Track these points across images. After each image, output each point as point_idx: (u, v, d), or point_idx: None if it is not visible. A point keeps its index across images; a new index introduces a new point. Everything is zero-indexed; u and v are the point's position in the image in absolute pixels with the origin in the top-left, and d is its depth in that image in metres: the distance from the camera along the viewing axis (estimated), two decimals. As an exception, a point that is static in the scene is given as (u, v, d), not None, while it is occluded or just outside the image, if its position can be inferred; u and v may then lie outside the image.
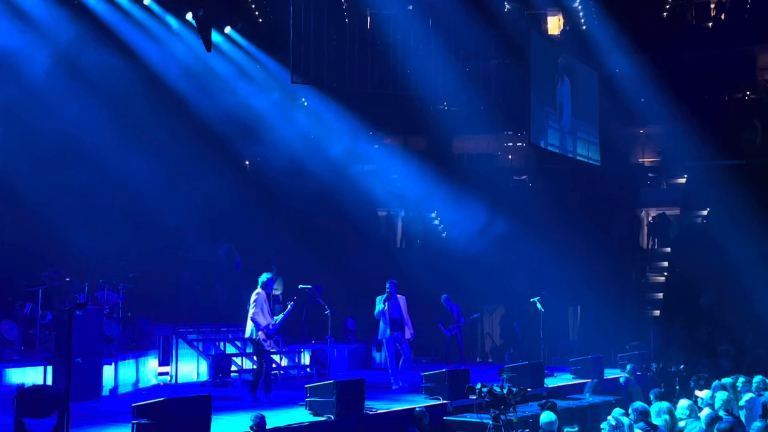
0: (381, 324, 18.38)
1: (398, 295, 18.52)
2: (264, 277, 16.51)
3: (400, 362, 18.55)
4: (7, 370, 15.76)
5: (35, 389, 13.44)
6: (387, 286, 18.39)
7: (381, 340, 18.78)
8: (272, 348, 16.70)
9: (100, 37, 22.24)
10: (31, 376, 15.88)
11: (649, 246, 32.47)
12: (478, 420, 12.98)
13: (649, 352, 24.57)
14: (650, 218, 33.12)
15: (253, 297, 16.35)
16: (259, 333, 16.26)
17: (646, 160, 35.27)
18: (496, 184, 31.32)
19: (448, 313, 24.20)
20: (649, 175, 34.04)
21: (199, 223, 24.08)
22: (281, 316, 16.56)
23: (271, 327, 16.31)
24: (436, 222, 32.93)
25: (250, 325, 16.34)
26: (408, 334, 18.37)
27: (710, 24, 33.77)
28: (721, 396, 13.19)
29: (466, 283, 26.74)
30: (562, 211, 29.18)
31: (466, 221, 29.71)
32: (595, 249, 28.48)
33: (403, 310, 18.44)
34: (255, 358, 17.45)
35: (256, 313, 16.26)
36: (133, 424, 11.48)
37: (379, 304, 18.34)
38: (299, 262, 24.89)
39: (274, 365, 19.12)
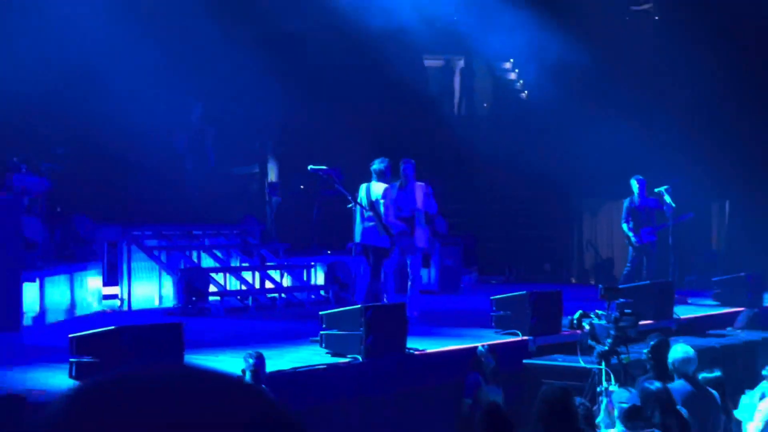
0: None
1: (416, 182, 14.12)
2: None
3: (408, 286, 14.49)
4: None
5: None
6: (401, 167, 14.08)
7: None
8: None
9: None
10: None
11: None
12: (576, 365, 10.54)
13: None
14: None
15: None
16: None
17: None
18: (605, 17, 22.32)
19: (643, 208, 16.99)
20: None
21: (165, 76, 16.95)
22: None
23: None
24: (513, 76, 25.33)
25: None
26: (423, 241, 14.22)
27: None
28: None
29: (553, 165, 20.93)
30: (708, 54, 20.42)
31: (558, 73, 21.37)
32: (756, 115, 20.94)
33: (419, 203, 14.08)
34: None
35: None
36: (71, 363, 8.94)
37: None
38: (310, 131, 19.42)
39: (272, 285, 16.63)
